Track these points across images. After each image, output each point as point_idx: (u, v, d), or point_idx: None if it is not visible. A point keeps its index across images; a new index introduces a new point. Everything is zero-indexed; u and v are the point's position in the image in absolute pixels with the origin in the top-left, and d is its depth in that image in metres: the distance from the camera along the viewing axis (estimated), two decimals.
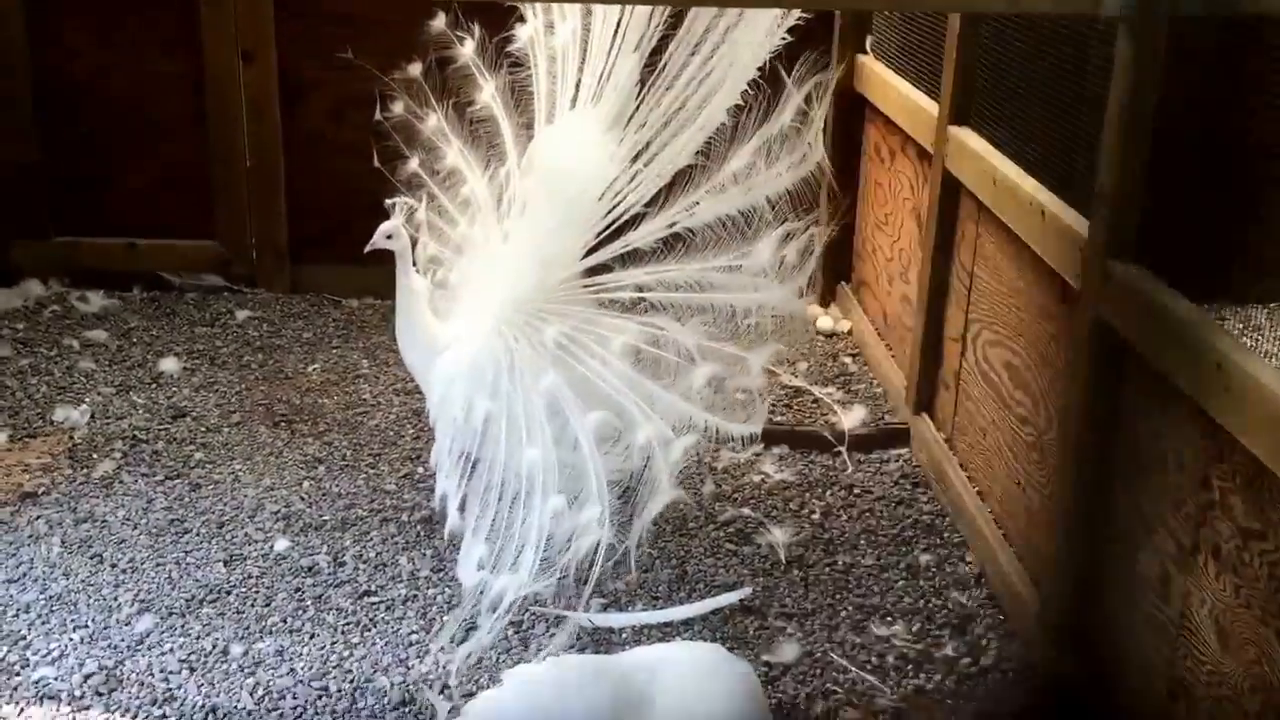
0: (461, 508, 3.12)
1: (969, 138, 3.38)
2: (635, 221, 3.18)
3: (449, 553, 3.39)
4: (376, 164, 3.57)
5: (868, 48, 4.57)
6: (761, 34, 3.10)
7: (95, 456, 3.81)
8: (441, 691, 2.84)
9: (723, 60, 3.10)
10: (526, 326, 3.19)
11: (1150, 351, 2.42)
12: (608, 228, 3.20)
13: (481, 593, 2.96)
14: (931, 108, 3.74)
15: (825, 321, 4.67)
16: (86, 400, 4.14)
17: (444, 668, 2.94)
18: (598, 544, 2.96)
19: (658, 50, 3.16)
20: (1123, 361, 2.58)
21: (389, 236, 3.32)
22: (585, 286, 3.24)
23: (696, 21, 3.11)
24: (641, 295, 3.17)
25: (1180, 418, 2.39)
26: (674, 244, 3.15)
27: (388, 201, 3.33)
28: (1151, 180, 2.50)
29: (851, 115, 4.61)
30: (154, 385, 4.27)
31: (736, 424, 3.13)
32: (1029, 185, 3.03)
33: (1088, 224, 2.68)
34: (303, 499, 3.63)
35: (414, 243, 3.39)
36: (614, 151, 3.16)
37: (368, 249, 3.32)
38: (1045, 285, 2.99)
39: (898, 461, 3.90)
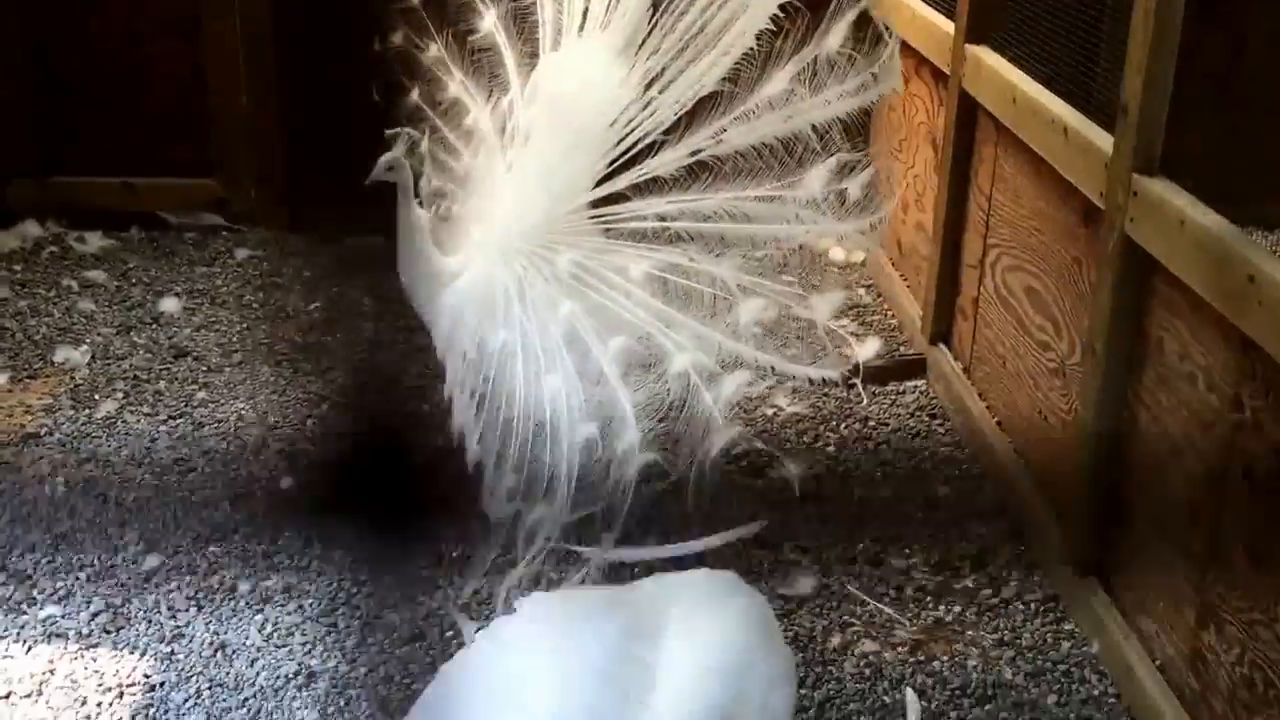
0: (480, 440, 3.06)
1: (987, 56, 3.28)
2: (654, 150, 3.03)
3: (456, 490, 3.33)
4: (375, 96, 3.47)
5: None
6: None
7: (97, 397, 3.76)
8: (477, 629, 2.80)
9: None
10: (536, 257, 3.09)
11: (1179, 267, 2.35)
12: (622, 156, 3.06)
13: (514, 524, 2.90)
14: (947, 26, 3.63)
15: (838, 253, 4.59)
16: (87, 341, 4.07)
17: (476, 596, 2.91)
18: (639, 471, 2.86)
19: None
20: (1150, 279, 2.51)
21: (390, 168, 3.24)
22: (599, 217, 3.11)
23: None
24: (665, 225, 3.03)
25: (1210, 335, 2.32)
26: (700, 172, 2.99)
27: (389, 132, 3.24)
28: (1178, 92, 2.41)
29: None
30: (154, 325, 4.21)
31: (802, 365, 2.96)
32: (1051, 102, 2.93)
33: (1112, 140, 2.59)
34: (308, 437, 3.57)
35: (416, 176, 3.30)
36: (624, 77, 3.05)
37: (368, 180, 3.24)
38: (1068, 206, 2.91)
39: (914, 394, 3.83)
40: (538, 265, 3.08)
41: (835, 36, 2.85)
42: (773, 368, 2.94)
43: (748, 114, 2.91)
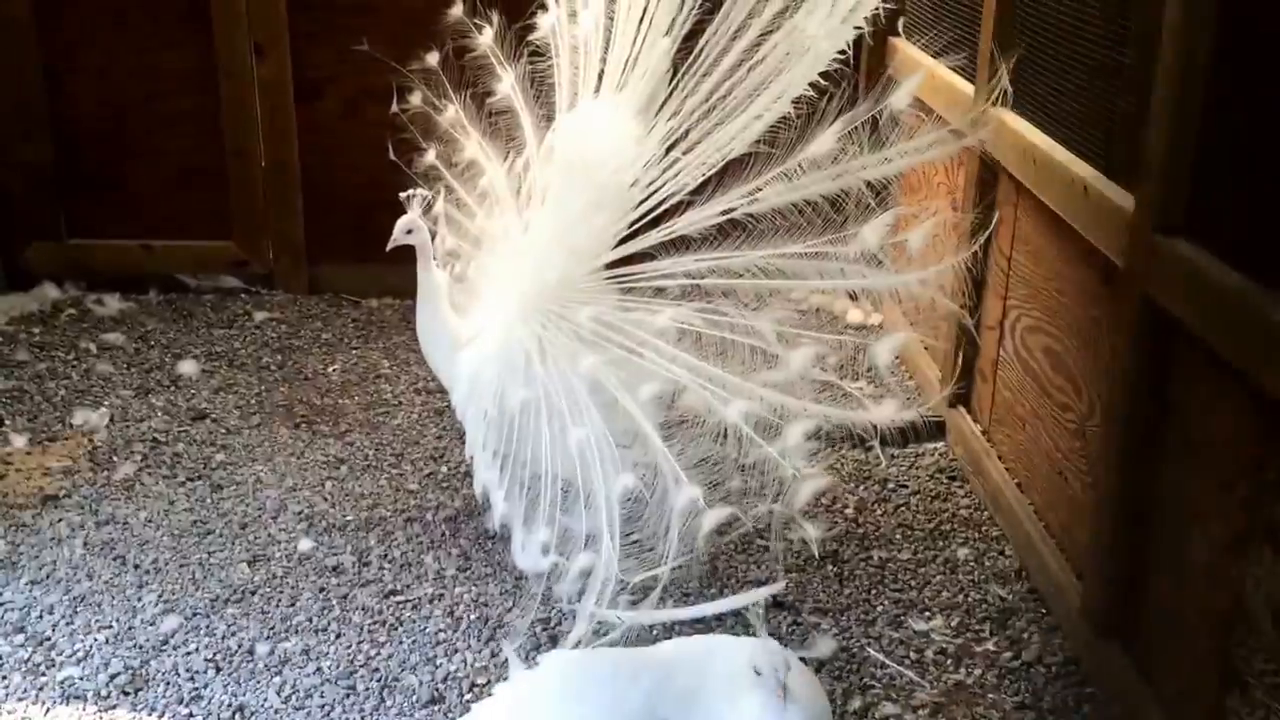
0: (506, 497, 3.06)
1: (1007, 116, 3.31)
2: (681, 209, 3.02)
3: (475, 551, 3.33)
4: (392, 156, 3.51)
5: (899, 29, 4.50)
6: (824, 20, 2.88)
7: (116, 459, 3.76)
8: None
9: (778, 48, 2.92)
10: (555, 315, 3.10)
11: (1201, 328, 2.35)
12: (645, 215, 3.07)
13: (552, 578, 2.90)
14: (967, 88, 3.66)
15: (855, 314, 4.60)
16: (105, 403, 4.09)
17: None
18: (716, 526, 2.84)
19: (693, 35, 3.03)
20: (1171, 340, 2.51)
21: (409, 231, 3.27)
22: (621, 276, 3.11)
23: (735, 7, 2.97)
24: (694, 282, 3.00)
25: (1233, 396, 2.31)
26: (733, 231, 2.95)
27: (403, 194, 3.28)
28: (1201, 152, 2.43)
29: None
30: (173, 388, 4.22)
31: (864, 411, 2.89)
32: (1071, 162, 2.95)
33: (1133, 200, 2.61)
34: (325, 499, 3.58)
35: (432, 236, 3.33)
36: (641, 136, 3.06)
37: (389, 246, 3.27)
38: (1088, 266, 2.92)
39: (933, 455, 3.82)
40: (557, 323, 3.09)
41: (902, 97, 2.79)
42: (830, 417, 2.89)
43: (788, 173, 2.87)
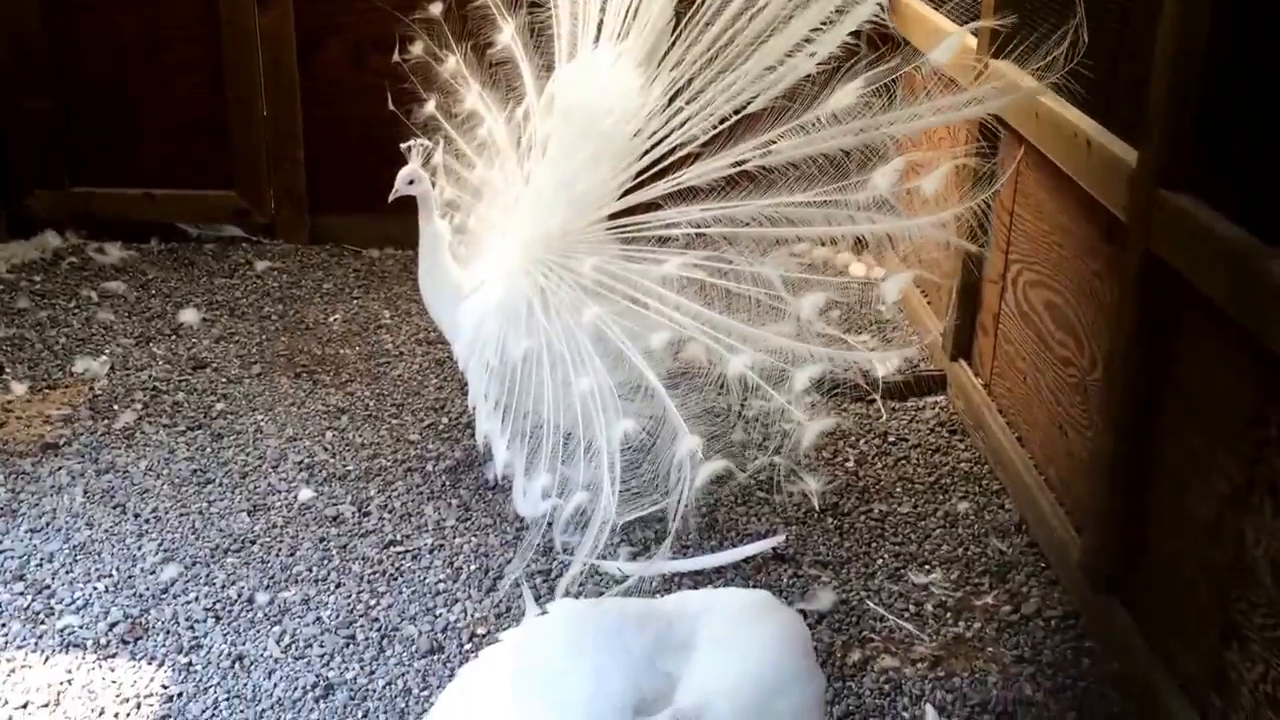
0: (508, 445, 3.07)
1: (1009, 70, 3.26)
2: (690, 161, 2.98)
3: (475, 502, 3.34)
4: (392, 107, 3.48)
5: None
6: None
7: (116, 408, 3.77)
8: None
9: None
10: (558, 266, 3.09)
11: (1203, 283, 2.33)
12: (651, 166, 3.04)
13: (552, 520, 2.92)
14: (969, 40, 3.61)
15: (858, 268, 4.58)
16: (106, 351, 4.09)
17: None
18: (710, 478, 2.85)
19: None
20: (1173, 295, 2.49)
21: (410, 181, 3.25)
22: (625, 226, 3.08)
23: None
24: (700, 231, 2.97)
25: (1234, 352, 2.30)
26: (743, 182, 2.91)
27: (404, 145, 3.25)
28: (1205, 106, 2.39)
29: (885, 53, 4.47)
30: (174, 336, 4.22)
31: (871, 353, 2.89)
32: (1073, 116, 2.91)
33: (1136, 154, 2.58)
34: (326, 449, 3.58)
35: (433, 187, 3.31)
36: (641, 86, 3.03)
37: (391, 197, 3.25)
38: (1090, 221, 2.89)
39: (934, 409, 3.81)
40: (559, 274, 3.07)
41: (943, 52, 2.70)
42: (839, 360, 2.88)
43: (805, 126, 2.81)
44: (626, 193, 3.08)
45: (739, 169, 2.91)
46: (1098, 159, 2.76)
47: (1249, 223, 2.25)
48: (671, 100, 3.01)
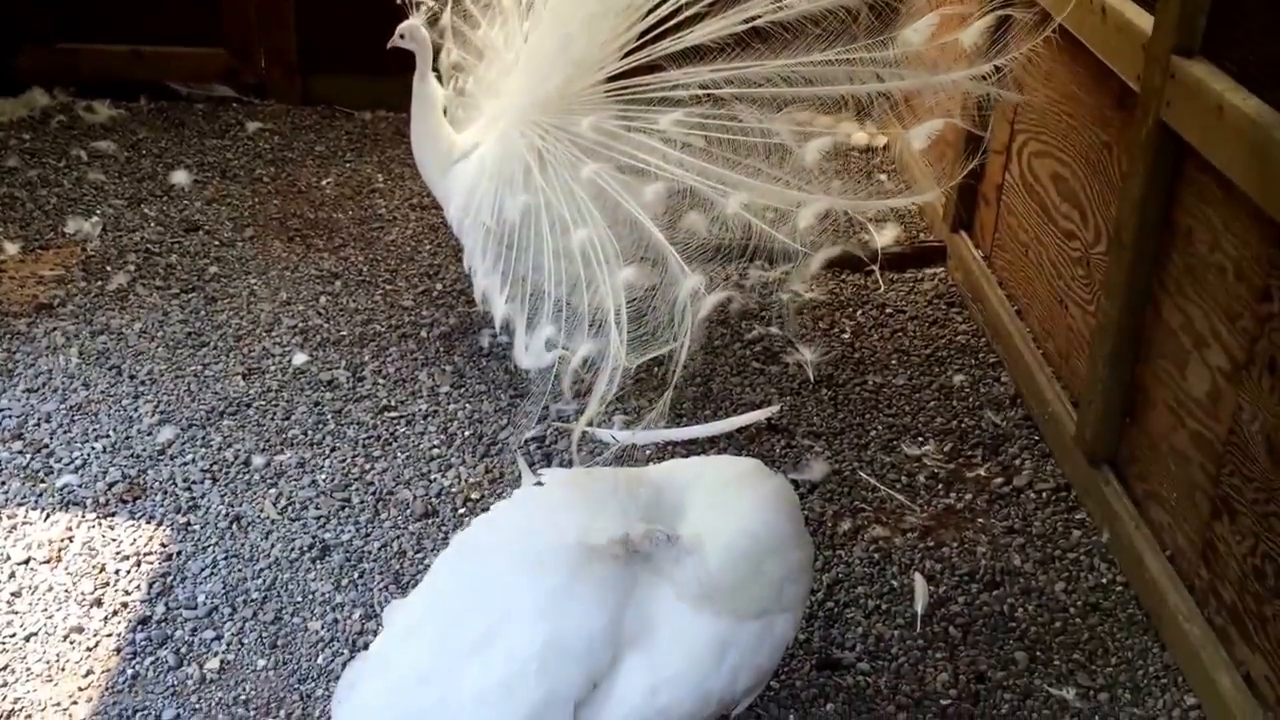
0: (507, 300, 3.06)
1: None
2: (698, 20, 2.89)
3: (469, 368, 3.33)
4: None
5: None
6: None
7: (109, 269, 3.73)
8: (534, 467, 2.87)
9: None
10: (554, 127, 3.02)
11: (1215, 155, 2.29)
12: (656, 26, 2.93)
13: (557, 372, 2.92)
14: None
15: (860, 136, 4.50)
16: (98, 212, 4.03)
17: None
18: (711, 311, 2.85)
19: None
20: (1183, 167, 2.45)
21: (404, 36, 3.17)
22: (626, 89, 3.01)
23: None
24: (709, 93, 2.88)
25: (1242, 225, 2.27)
26: (754, 41, 2.82)
27: None
28: None
29: None
30: (165, 198, 4.16)
31: (892, 198, 2.85)
32: None
33: (1152, 20, 2.51)
34: (320, 314, 3.56)
35: (437, 50, 3.23)
36: None
37: (389, 46, 3.18)
38: (1101, 90, 2.83)
39: (933, 281, 3.79)
40: (556, 135, 3.01)
41: None
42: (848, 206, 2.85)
43: None
44: (629, 54, 3.00)
45: (750, 25, 2.81)
46: (1112, 25, 2.69)
47: (1266, 94, 2.20)
48: None
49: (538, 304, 3.00)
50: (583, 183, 2.94)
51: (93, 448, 2.99)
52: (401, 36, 3.16)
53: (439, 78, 3.28)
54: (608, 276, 2.87)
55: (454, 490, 2.90)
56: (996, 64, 2.65)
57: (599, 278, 2.88)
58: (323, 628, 2.53)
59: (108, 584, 2.61)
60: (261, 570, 2.66)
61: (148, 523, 2.78)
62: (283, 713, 2.35)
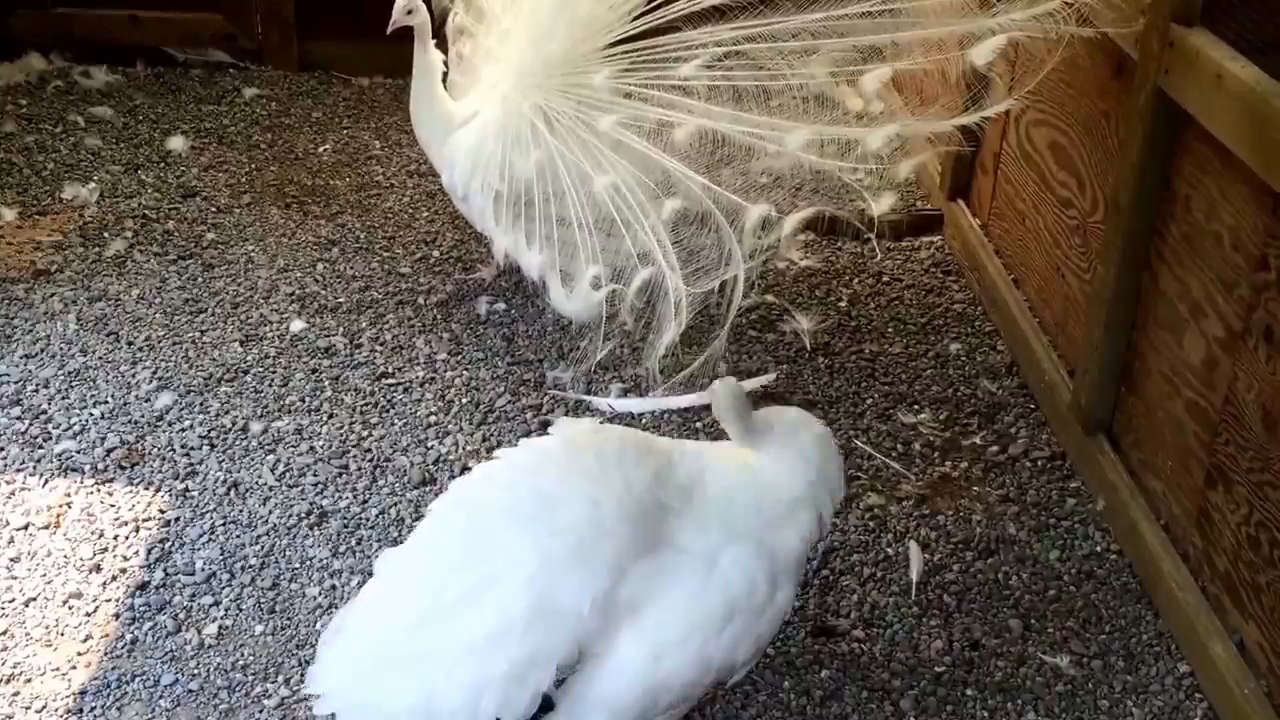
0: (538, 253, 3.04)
1: None
2: None
3: (466, 336, 3.33)
4: None
5: None
6: None
7: (107, 235, 3.72)
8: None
9: None
10: (558, 91, 2.99)
11: (1213, 123, 2.28)
12: None
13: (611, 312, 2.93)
14: None
15: (855, 102, 4.47)
16: (95, 178, 4.02)
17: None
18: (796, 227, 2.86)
19: None
20: (1181, 135, 2.44)
21: (409, 11, 3.15)
22: (635, 50, 2.96)
23: None
24: (727, 50, 2.83)
25: (1240, 194, 2.27)
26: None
27: None
28: None
29: None
30: (162, 164, 4.14)
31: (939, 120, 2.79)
32: None
33: None
34: (317, 281, 3.55)
35: (435, 17, 3.21)
36: None
37: (390, 29, 3.16)
38: (1099, 58, 2.82)
39: (930, 249, 3.78)
40: (563, 94, 2.98)
41: None
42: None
43: None
44: (639, 17, 2.96)
45: None
46: None
47: (1265, 62, 2.20)
48: None
49: (573, 251, 2.96)
50: (601, 135, 2.91)
51: (91, 414, 3.00)
52: (410, 13, 3.14)
53: (442, 44, 3.25)
54: (647, 215, 2.84)
55: (451, 457, 2.91)
56: (1047, 6, 2.53)
57: (636, 218, 2.85)
58: (320, 594, 2.55)
59: (106, 549, 2.62)
60: (259, 536, 2.67)
61: (146, 489, 2.79)
62: (280, 678, 2.37)
